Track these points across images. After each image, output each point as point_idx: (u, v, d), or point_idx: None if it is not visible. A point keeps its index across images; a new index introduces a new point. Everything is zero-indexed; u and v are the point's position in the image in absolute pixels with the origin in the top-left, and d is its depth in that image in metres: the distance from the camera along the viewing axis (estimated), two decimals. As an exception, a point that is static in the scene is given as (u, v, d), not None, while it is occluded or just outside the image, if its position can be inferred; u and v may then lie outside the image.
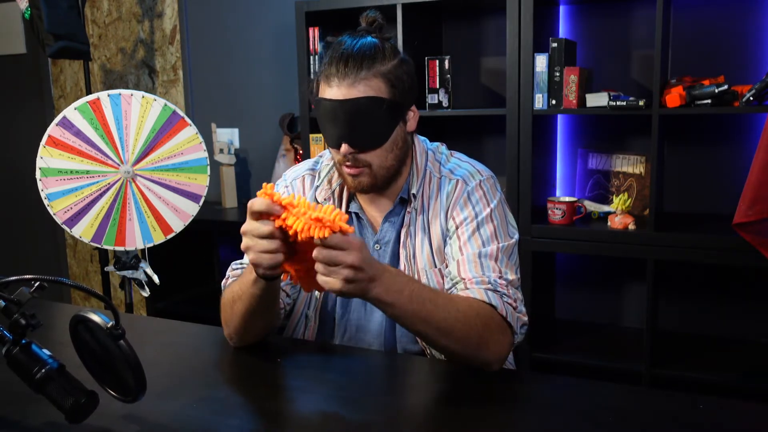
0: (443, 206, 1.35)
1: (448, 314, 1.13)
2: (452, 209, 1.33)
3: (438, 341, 1.15)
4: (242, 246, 1.08)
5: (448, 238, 1.33)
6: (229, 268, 1.41)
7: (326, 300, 1.41)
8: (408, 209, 1.36)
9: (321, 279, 1.04)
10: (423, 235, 1.35)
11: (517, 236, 1.34)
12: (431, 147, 1.44)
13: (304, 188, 1.44)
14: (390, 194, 1.38)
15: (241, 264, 1.40)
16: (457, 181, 1.35)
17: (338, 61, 1.24)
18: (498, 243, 1.29)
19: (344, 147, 1.26)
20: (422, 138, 1.45)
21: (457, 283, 1.26)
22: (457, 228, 1.31)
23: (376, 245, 1.38)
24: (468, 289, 1.23)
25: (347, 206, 1.40)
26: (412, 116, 1.34)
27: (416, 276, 1.34)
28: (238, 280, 1.26)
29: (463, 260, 1.27)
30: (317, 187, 1.42)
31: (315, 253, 1.02)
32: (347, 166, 1.30)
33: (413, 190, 1.35)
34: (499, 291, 1.22)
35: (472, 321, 1.15)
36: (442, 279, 1.33)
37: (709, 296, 2.45)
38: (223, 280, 1.41)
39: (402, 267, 1.35)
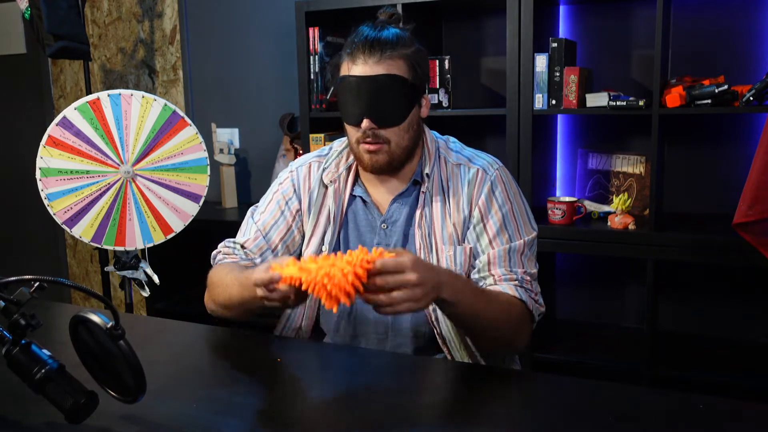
0: (465, 193, 1.39)
1: (494, 309, 1.26)
2: (476, 198, 1.38)
3: (486, 333, 1.28)
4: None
5: (471, 225, 1.38)
6: (222, 244, 1.48)
7: None
8: (422, 189, 1.40)
9: (395, 302, 1.07)
10: (443, 214, 1.39)
11: (537, 229, 1.42)
12: (442, 137, 1.49)
13: (310, 174, 1.47)
14: (402, 176, 1.42)
15: (234, 243, 1.46)
16: (478, 170, 1.40)
17: (365, 41, 1.32)
18: (524, 238, 1.37)
19: (366, 122, 1.32)
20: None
21: (485, 277, 1.35)
22: (482, 218, 1.37)
23: (383, 224, 1.42)
24: (497, 284, 1.33)
25: (352, 189, 1.44)
26: (425, 103, 1.41)
27: (435, 254, 1.38)
28: (239, 279, 1.28)
29: (493, 254, 1.35)
30: (324, 169, 1.46)
31: (377, 281, 1.06)
32: (366, 143, 1.34)
33: (426, 171, 1.40)
34: (524, 287, 1.33)
35: (511, 313, 1.29)
36: (470, 258, 1.38)
37: (709, 296, 2.45)
38: (214, 252, 1.49)
39: (417, 246, 1.38)
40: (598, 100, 2.26)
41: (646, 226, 2.23)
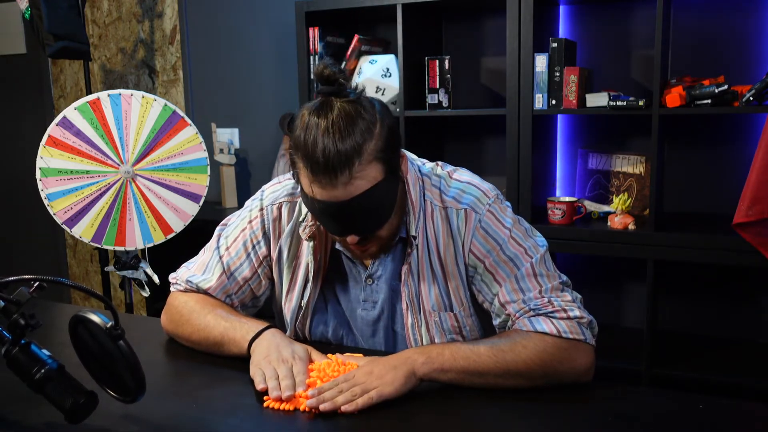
0: (457, 243, 1.25)
1: (496, 357, 1.10)
2: (467, 242, 1.24)
3: (504, 385, 1.11)
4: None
5: (476, 274, 1.25)
6: (184, 279, 1.37)
7: (312, 335, 1.36)
8: (408, 249, 1.26)
9: (374, 395, 1.04)
10: (430, 275, 1.26)
11: (545, 242, 1.27)
12: (425, 172, 1.30)
13: (281, 218, 1.33)
14: None
15: (198, 287, 1.35)
16: (465, 210, 1.24)
17: (325, 156, 1.06)
18: (532, 259, 1.21)
19: (351, 238, 1.17)
20: (411, 158, 1.31)
21: (506, 321, 1.22)
22: (483, 263, 1.23)
23: (369, 279, 1.30)
24: (516, 323, 1.19)
25: (332, 244, 1.31)
26: (403, 162, 1.21)
27: (422, 317, 1.27)
28: (226, 326, 1.24)
29: (503, 292, 1.21)
30: (300, 222, 1.30)
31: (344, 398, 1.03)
32: (356, 247, 1.20)
33: (413, 232, 1.24)
34: (542, 311, 1.16)
35: (524, 353, 1.11)
36: (457, 323, 1.27)
37: (709, 296, 2.45)
38: (174, 277, 1.39)
39: (404, 306, 1.28)
40: (598, 100, 2.26)
41: (646, 226, 2.23)
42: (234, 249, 1.35)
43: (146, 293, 2.41)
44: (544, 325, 1.14)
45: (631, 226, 2.23)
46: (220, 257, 1.36)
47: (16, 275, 0.93)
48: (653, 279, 2.20)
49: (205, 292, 1.34)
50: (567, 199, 2.39)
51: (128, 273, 2.37)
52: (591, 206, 2.46)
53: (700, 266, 2.38)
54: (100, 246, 2.24)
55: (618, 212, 2.27)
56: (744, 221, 1.95)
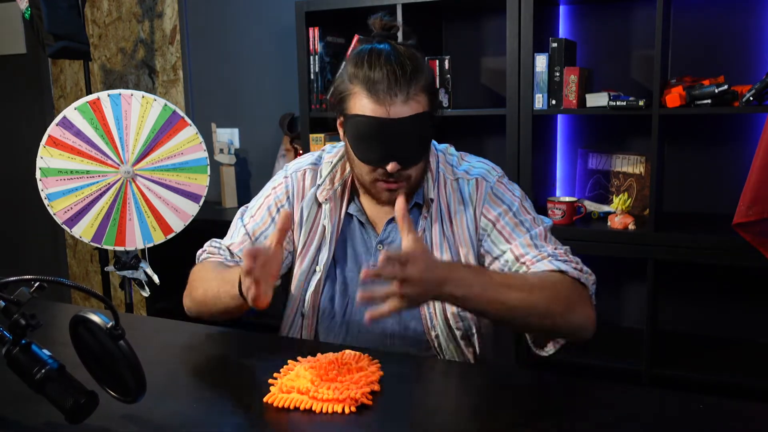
0: (468, 208, 1.32)
1: (525, 292, 1.14)
2: (480, 207, 1.32)
3: (526, 321, 1.15)
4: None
5: (486, 236, 1.31)
6: (208, 244, 1.44)
7: (323, 298, 1.38)
8: (424, 214, 1.33)
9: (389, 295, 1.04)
10: (443, 243, 1.32)
11: (550, 221, 1.35)
12: (440, 148, 1.41)
13: (305, 182, 1.41)
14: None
15: (219, 244, 1.42)
16: (477, 180, 1.34)
17: (388, 75, 1.18)
18: (541, 226, 1.30)
19: (392, 165, 1.22)
20: None
21: (518, 268, 1.26)
22: (494, 224, 1.30)
23: (380, 245, 1.35)
24: (532, 267, 1.24)
25: (347, 207, 1.38)
26: None
27: None
28: (222, 274, 1.27)
29: (516, 245, 1.27)
30: (319, 185, 1.39)
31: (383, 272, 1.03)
32: (387, 182, 1.26)
33: (431, 195, 1.33)
34: (560, 259, 1.23)
35: (551, 290, 1.17)
36: None
37: (709, 296, 2.45)
38: (200, 251, 1.45)
39: None
40: (598, 100, 2.26)
41: (646, 226, 2.23)
42: (259, 215, 1.41)
43: (146, 293, 2.41)
44: (566, 267, 1.21)
45: (631, 226, 2.23)
46: (244, 225, 1.41)
47: (16, 275, 0.93)
48: (653, 279, 2.20)
49: (227, 250, 1.39)
50: (567, 199, 2.40)
51: (128, 273, 2.37)
52: (591, 206, 2.46)
53: (700, 266, 2.38)
54: (100, 246, 2.25)
55: (618, 212, 2.27)
56: (744, 221, 1.95)
